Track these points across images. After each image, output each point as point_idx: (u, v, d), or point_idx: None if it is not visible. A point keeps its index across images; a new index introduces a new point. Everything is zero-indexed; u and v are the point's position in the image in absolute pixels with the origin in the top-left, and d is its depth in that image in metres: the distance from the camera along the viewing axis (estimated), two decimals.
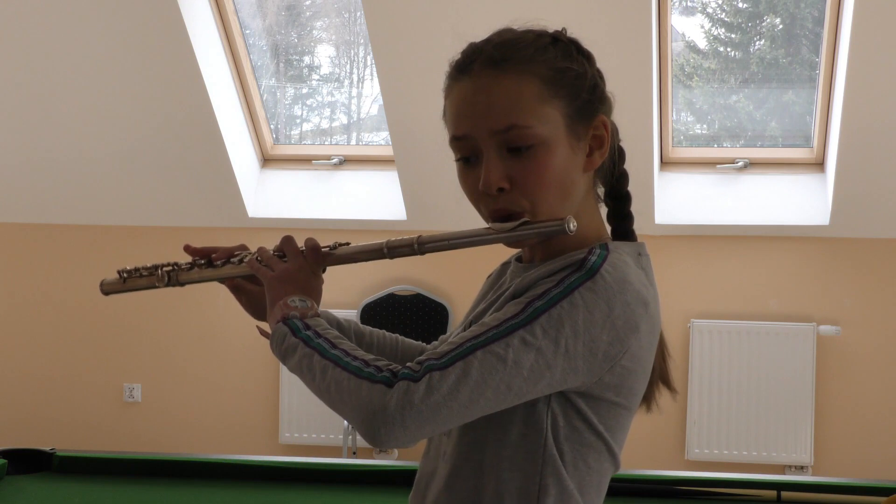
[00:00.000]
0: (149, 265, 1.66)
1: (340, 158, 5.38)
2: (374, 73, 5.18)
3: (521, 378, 1.28)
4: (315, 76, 5.81)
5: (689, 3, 5.32)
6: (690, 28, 5.28)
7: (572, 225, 1.36)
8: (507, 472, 1.36)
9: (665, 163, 5.12)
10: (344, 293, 5.20)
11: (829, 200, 4.84)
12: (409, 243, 1.47)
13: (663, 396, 1.51)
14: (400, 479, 2.84)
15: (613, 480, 1.45)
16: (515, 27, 1.43)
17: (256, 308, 1.64)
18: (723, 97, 5.41)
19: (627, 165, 1.51)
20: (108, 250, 5.44)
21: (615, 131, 1.47)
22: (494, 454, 1.37)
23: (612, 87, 1.49)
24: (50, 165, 5.26)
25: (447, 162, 1.43)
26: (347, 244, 1.54)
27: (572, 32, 1.46)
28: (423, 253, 1.48)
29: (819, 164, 5.03)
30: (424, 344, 1.70)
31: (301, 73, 5.79)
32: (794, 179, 5.05)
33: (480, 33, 1.44)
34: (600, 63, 1.48)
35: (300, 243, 1.54)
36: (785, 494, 2.75)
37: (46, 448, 2.97)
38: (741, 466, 4.91)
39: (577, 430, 1.36)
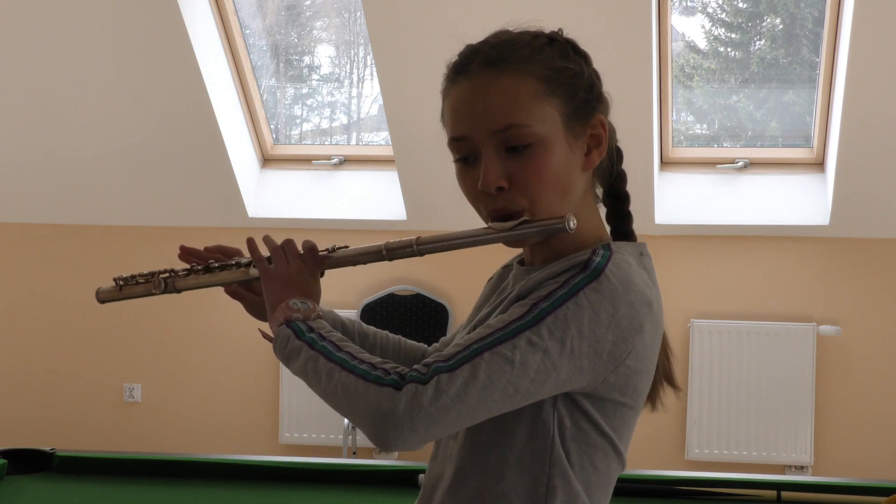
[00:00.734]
0: (145, 272, 1.65)
1: (340, 158, 5.38)
2: (374, 73, 5.18)
3: (527, 379, 1.29)
4: (315, 76, 5.81)
5: (689, 3, 5.32)
6: (690, 28, 5.28)
7: (572, 223, 1.36)
8: (514, 473, 1.37)
9: (665, 163, 5.12)
10: (344, 293, 5.20)
11: (829, 200, 4.84)
12: (408, 244, 1.47)
13: (667, 395, 1.51)
14: (400, 480, 2.84)
15: None
16: (512, 28, 1.43)
17: (258, 311, 1.63)
18: (723, 97, 5.40)
19: (627, 165, 1.51)
20: (108, 250, 5.44)
21: (613, 131, 1.47)
22: (501, 456, 1.37)
23: (612, 87, 1.49)
24: (50, 165, 5.26)
25: (447, 162, 1.43)
26: (346, 247, 1.54)
27: (572, 33, 1.46)
28: (422, 254, 1.48)
29: (819, 164, 5.03)
30: (426, 346, 1.70)
31: (301, 73, 5.79)
32: (794, 179, 5.05)
33: (480, 34, 1.44)
34: (600, 63, 1.48)
35: (298, 246, 1.53)
36: (785, 494, 2.75)
37: (46, 448, 2.97)
38: (741, 466, 4.91)
39: (584, 431, 1.37)
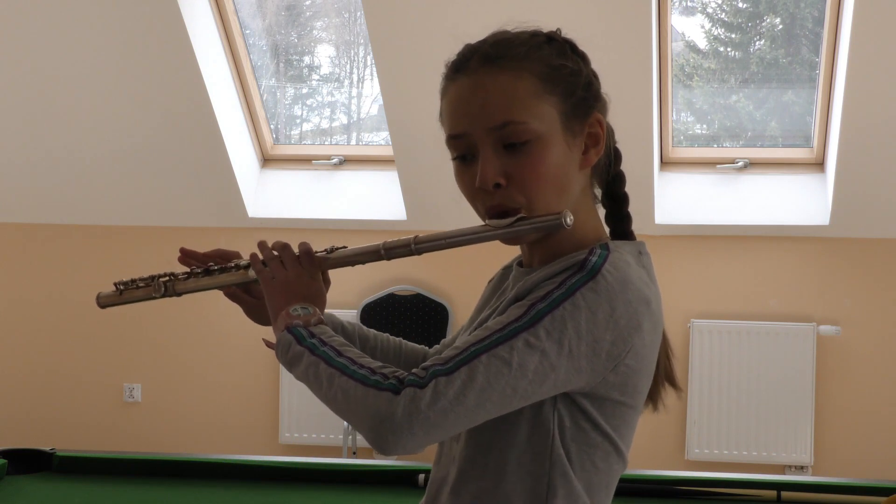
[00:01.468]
0: (145, 276, 1.66)
1: (340, 158, 5.38)
2: (374, 73, 5.18)
3: (525, 380, 1.29)
4: (315, 76, 5.81)
5: (689, 3, 5.32)
6: (690, 28, 5.28)
7: (569, 219, 1.36)
8: (515, 473, 1.37)
9: (665, 163, 5.12)
10: (344, 293, 5.20)
11: (829, 200, 4.84)
12: (406, 244, 1.48)
13: (668, 396, 1.51)
14: (400, 480, 2.84)
15: None
16: (510, 29, 1.43)
17: (257, 314, 1.64)
18: (723, 97, 5.40)
19: (627, 165, 1.51)
20: (108, 250, 5.44)
21: (611, 132, 1.48)
22: (502, 456, 1.37)
23: (612, 87, 1.49)
24: (50, 165, 5.26)
25: (447, 162, 1.43)
26: (344, 247, 1.54)
27: (572, 33, 1.47)
28: (420, 253, 1.48)
29: (819, 164, 5.03)
30: (427, 348, 1.70)
31: (301, 73, 5.79)
32: (794, 179, 5.05)
33: (480, 34, 1.44)
34: (600, 63, 1.48)
35: (295, 248, 1.53)
36: (785, 494, 2.75)
37: (46, 448, 2.97)
38: (741, 466, 4.91)
39: (584, 431, 1.37)
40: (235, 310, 1.67)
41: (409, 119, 4.80)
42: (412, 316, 5.22)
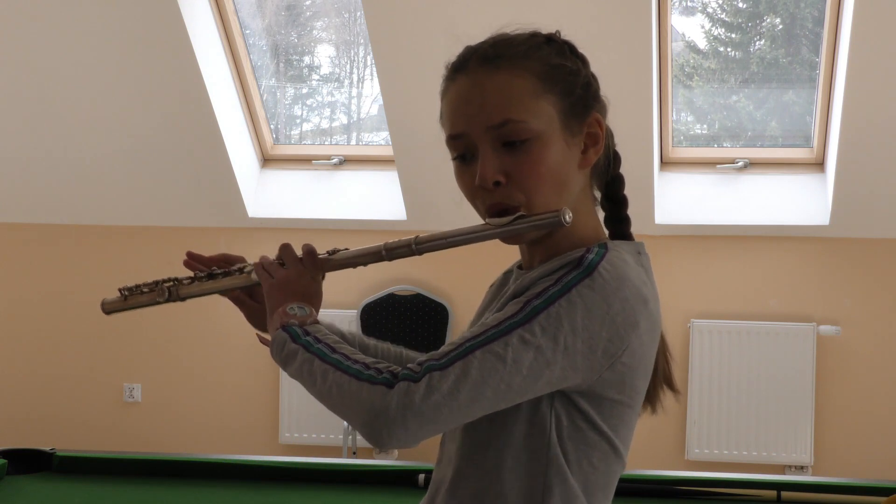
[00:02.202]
0: (149, 281, 1.67)
1: (340, 158, 5.38)
2: (374, 73, 5.18)
3: (520, 376, 1.29)
4: (315, 76, 5.81)
5: (689, 3, 5.32)
6: (690, 28, 5.28)
7: (568, 216, 1.36)
8: (511, 472, 1.37)
9: (665, 163, 5.12)
10: (344, 294, 5.20)
11: (829, 200, 4.84)
12: (407, 244, 1.48)
13: (667, 397, 1.51)
14: (400, 480, 2.84)
15: None
16: (509, 30, 1.44)
17: (258, 320, 1.64)
18: (723, 97, 5.41)
19: (627, 165, 1.51)
20: (108, 250, 5.43)
21: (610, 134, 1.48)
22: (498, 455, 1.37)
23: (612, 87, 1.49)
24: (50, 165, 5.26)
25: (447, 162, 1.43)
26: (345, 249, 1.54)
27: (573, 33, 1.47)
28: (420, 253, 1.48)
29: (819, 164, 5.03)
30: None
31: (301, 73, 5.79)
32: (793, 179, 5.05)
33: (480, 34, 1.45)
34: (600, 63, 1.48)
35: (297, 249, 1.54)
36: (785, 494, 2.75)
37: (46, 448, 2.97)
38: (741, 466, 4.91)
39: (581, 430, 1.36)
40: (235, 310, 1.68)
41: (409, 119, 4.80)
42: (412, 316, 5.22)
